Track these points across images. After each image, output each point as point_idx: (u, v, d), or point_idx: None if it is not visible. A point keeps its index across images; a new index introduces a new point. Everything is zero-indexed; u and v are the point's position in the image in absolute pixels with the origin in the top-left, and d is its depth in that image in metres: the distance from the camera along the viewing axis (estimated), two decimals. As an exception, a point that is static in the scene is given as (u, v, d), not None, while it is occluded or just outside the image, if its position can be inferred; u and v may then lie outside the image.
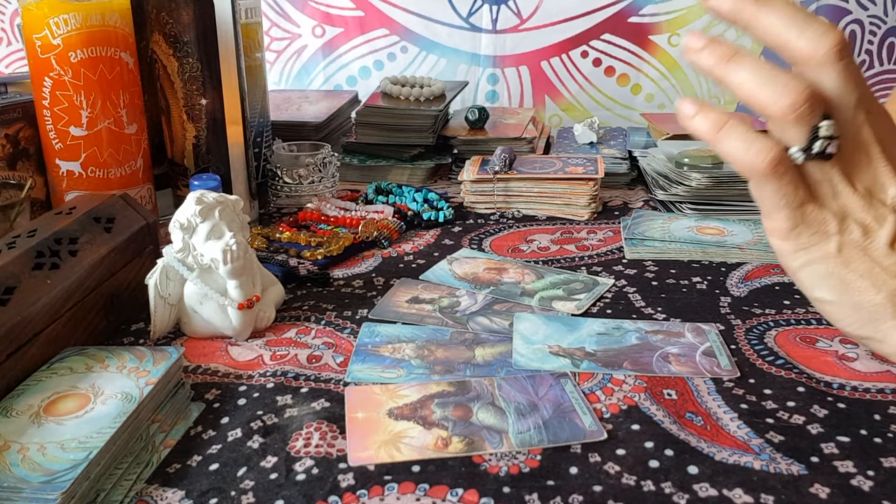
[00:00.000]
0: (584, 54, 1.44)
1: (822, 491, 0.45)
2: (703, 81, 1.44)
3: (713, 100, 1.47)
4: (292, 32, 1.47)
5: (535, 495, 0.45)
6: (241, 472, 0.48)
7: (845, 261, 0.42)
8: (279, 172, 0.95)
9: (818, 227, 0.42)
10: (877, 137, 0.40)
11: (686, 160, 0.94)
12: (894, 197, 0.41)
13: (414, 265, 0.79)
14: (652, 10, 1.40)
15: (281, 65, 1.49)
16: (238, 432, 0.51)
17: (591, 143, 1.13)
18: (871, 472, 0.46)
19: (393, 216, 0.90)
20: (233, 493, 0.46)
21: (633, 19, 1.41)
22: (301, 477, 0.47)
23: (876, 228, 0.42)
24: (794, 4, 0.39)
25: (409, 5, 1.43)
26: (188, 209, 0.62)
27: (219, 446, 0.50)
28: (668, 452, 0.48)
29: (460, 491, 0.45)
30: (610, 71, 1.45)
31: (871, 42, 1.39)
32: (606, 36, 1.43)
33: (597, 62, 1.44)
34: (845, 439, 0.49)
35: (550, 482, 0.46)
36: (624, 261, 0.79)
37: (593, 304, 0.69)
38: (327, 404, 0.54)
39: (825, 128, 0.39)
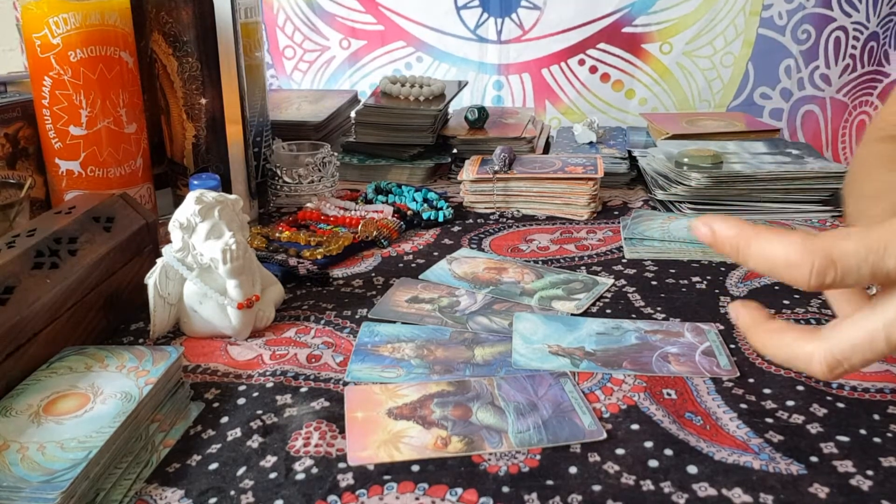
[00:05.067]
0: (582, 62, 1.56)
1: (821, 490, 0.45)
2: (694, 86, 1.55)
3: (703, 104, 1.52)
4: (322, 45, 1.63)
5: (534, 495, 0.45)
6: (240, 471, 0.48)
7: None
8: (279, 172, 0.95)
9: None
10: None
11: (686, 160, 0.94)
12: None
13: (413, 265, 0.79)
14: (644, 21, 1.52)
15: (312, 74, 1.66)
16: (237, 432, 0.51)
17: (591, 143, 1.13)
18: (870, 472, 0.46)
19: (392, 216, 0.90)
20: (232, 492, 0.46)
21: (626, 29, 1.52)
22: (300, 476, 0.47)
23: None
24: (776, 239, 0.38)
25: (423, 20, 1.58)
26: (188, 208, 0.62)
27: (218, 446, 0.50)
28: (668, 452, 0.48)
29: (459, 490, 0.45)
30: (605, 77, 1.56)
31: (854, 47, 1.49)
32: (602, 45, 1.54)
33: (593, 69, 1.56)
34: (844, 439, 0.50)
35: (550, 482, 0.46)
36: (623, 260, 0.79)
37: (593, 304, 0.69)
38: (327, 404, 0.54)
39: None
